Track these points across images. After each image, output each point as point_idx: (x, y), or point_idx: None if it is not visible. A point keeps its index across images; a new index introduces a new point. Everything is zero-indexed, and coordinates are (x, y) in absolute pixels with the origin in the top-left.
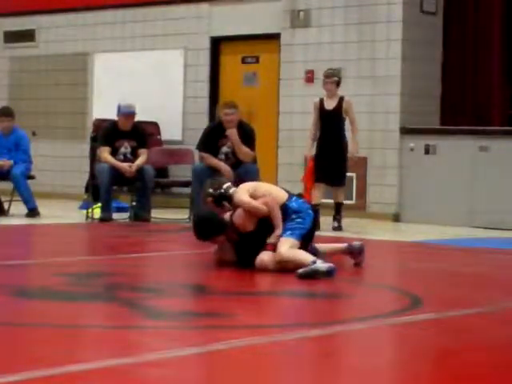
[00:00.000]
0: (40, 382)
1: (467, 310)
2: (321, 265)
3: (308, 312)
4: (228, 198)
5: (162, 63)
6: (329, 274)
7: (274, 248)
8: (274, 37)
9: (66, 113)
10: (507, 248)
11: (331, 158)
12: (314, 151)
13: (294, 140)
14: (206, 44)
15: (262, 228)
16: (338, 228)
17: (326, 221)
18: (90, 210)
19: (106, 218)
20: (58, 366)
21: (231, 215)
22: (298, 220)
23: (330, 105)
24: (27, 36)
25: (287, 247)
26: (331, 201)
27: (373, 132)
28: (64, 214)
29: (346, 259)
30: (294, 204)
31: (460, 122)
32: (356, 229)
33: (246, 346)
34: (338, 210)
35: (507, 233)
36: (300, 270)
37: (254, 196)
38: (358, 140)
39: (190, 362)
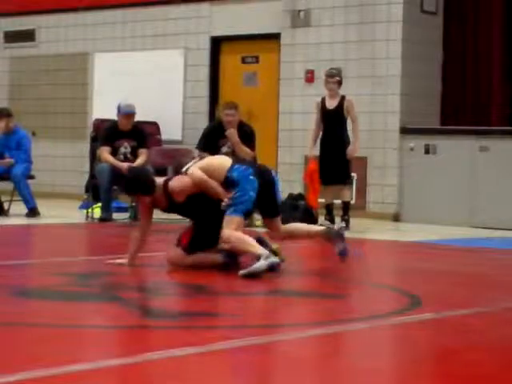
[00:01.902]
0: (40, 381)
1: (467, 310)
2: (262, 262)
3: (308, 312)
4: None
5: (162, 63)
6: (271, 269)
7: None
8: (274, 37)
9: (66, 113)
10: (507, 248)
11: (334, 158)
12: (315, 151)
13: (294, 140)
14: (206, 44)
15: (191, 204)
16: (345, 228)
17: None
18: (90, 210)
19: (106, 218)
20: (57, 365)
21: (166, 180)
22: (238, 194)
23: (331, 104)
24: (27, 36)
25: (232, 229)
26: (339, 201)
27: (373, 132)
28: (64, 213)
29: (329, 250)
30: (234, 174)
31: (460, 121)
32: (356, 229)
33: (245, 346)
34: (345, 210)
35: (507, 233)
36: (241, 272)
37: (206, 171)
38: (359, 140)
39: (190, 362)
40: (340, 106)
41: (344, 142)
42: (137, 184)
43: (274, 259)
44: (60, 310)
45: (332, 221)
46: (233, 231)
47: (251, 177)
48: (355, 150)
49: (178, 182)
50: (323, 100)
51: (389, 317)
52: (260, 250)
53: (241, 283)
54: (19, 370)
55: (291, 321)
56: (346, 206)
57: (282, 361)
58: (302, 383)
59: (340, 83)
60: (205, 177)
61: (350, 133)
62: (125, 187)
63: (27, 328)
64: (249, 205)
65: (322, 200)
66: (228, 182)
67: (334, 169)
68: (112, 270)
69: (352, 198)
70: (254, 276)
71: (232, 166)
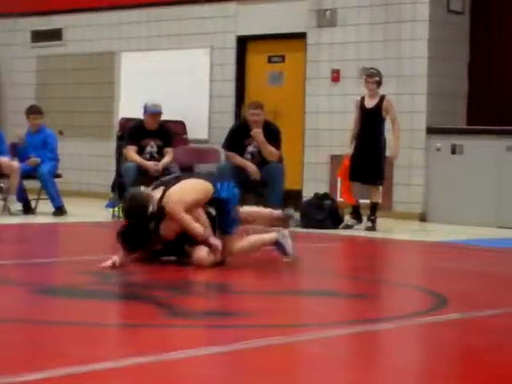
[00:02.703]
0: (64, 380)
1: (493, 311)
2: (286, 240)
3: (334, 312)
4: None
5: (189, 62)
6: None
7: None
8: (300, 36)
9: (93, 112)
10: None
11: (367, 157)
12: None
13: (320, 139)
14: (233, 43)
15: (181, 235)
16: (372, 228)
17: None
18: (116, 209)
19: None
20: (81, 364)
21: (156, 226)
22: (232, 210)
23: (370, 104)
24: (54, 35)
25: (237, 244)
26: (367, 201)
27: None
28: (90, 212)
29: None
30: (223, 194)
31: (487, 121)
32: (382, 229)
33: (271, 346)
34: (372, 210)
35: None
36: (286, 259)
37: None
38: (399, 140)
39: (213, 362)
40: (379, 105)
41: (379, 142)
42: (136, 242)
43: (284, 231)
44: (85, 309)
45: (359, 219)
46: (239, 245)
47: (235, 190)
48: (396, 151)
49: (164, 227)
50: (362, 99)
51: (415, 317)
52: (270, 235)
53: (265, 282)
54: (43, 368)
55: (316, 320)
56: (373, 207)
57: (306, 361)
58: (329, 383)
59: (379, 83)
60: (184, 217)
61: (387, 133)
62: (125, 247)
63: (52, 326)
64: (237, 215)
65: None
66: (217, 203)
67: (365, 168)
68: (137, 269)
69: (380, 199)
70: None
71: (215, 186)
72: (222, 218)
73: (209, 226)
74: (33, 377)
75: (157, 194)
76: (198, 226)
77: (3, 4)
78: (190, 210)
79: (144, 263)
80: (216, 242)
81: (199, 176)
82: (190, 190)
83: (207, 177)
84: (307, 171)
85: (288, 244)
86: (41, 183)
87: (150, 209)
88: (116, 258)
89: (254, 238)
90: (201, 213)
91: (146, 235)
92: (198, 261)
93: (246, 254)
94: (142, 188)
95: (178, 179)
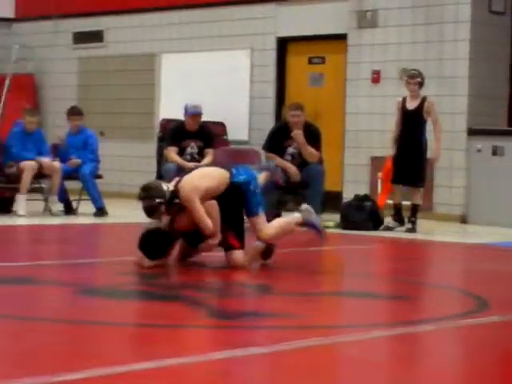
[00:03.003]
0: (103, 380)
1: None
2: (313, 218)
3: (373, 313)
4: (174, 195)
5: (229, 63)
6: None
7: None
8: (341, 37)
9: (133, 113)
10: None
11: (409, 159)
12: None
13: (360, 140)
14: (273, 44)
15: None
16: (412, 230)
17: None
18: None
19: None
20: (121, 364)
21: (172, 220)
22: (257, 190)
23: (411, 105)
24: (95, 37)
25: (265, 227)
26: (408, 202)
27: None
28: (131, 213)
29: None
30: (240, 177)
31: None
32: (423, 230)
33: (311, 347)
34: (413, 211)
35: None
36: (322, 239)
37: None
38: (440, 142)
39: (254, 363)
40: (420, 107)
41: (421, 143)
42: (156, 251)
43: (307, 207)
44: (125, 309)
45: (401, 221)
46: (267, 228)
47: (254, 173)
48: (437, 153)
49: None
50: (404, 100)
51: (455, 319)
52: (295, 218)
53: (305, 283)
54: (83, 367)
55: (357, 322)
56: (414, 208)
57: (346, 362)
58: None
59: (421, 84)
60: (198, 206)
61: (428, 134)
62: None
63: (92, 326)
64: (263, 203)
65: (389, 201)
66: (235, 188)
67: (407, 170)
68: (177, 270)
69: (421, 201)
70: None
71: (231, 172)
72: (244, 201)
73: (218, 220)
74: (72, 376)
75: (173, 182)
76: (208, 219)
77: (45, 6)
78: (204, 197)
79: (179, 264)
80: (215, 241)
81: (216, 165)
82: (205, 176)
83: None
84: (347, 173)
85: (317, 220)
86: (82, 184)
87: (165, 188)
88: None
89: (282, 221)
90: (214, 205)
91: (164, 239)
92: (234, 263)
93: (278, 239)
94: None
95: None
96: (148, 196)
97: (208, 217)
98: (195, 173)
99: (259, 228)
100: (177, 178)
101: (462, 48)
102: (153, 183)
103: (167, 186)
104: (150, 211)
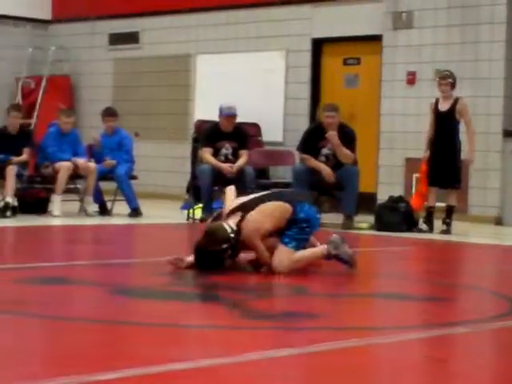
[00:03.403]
0: (139, 380)
1: None
2: (341, 249)
3: (409, 315)
4: (235, 237)
5: (264, 65)
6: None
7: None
8: (376, 38)
9: (169, 114)
10: None
11: (444, 161)
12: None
13: (395, 142)
14: (308, 45)
15: None
16: (447, 231)
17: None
18: (191, 211)
19: (207, 219)
20: (156, 364)
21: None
22: (307, 230)
23: (444, 106)
24: (131, 38)
25: (286, 261)
26: (443, 204)
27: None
28: (165, 214)
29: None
30: (301, 215)
31: None
32: (458, 232)
33: (346, 348)
34: (448, 213)
35: None
36: (352, 268)
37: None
38: (474, 144)
39: (289, 363)
40: (452, 108)
41: (455, 145)
42: (211, 264)
43: (335, 239)
44: (160, 309)
45: (431, 228)
46: (287, 260)
47: (317, 215)
48: (471, 155)
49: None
50: (437, 102)
51: (490, 321)
52: (321, 248)
53: (340, 285)
54: (119, 367)
55: (391, 323)
56: (449, 210)
57: (381, 364)
58: None
59: (453, 85)
60: (259, 245)
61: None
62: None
63: (128, 326)
64: (302, 243)
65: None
66: (295, 222)
67: (442, 172)
68: (212, 271)
69: (456, 202)
70: (353, 260)
71: (295, 208)
72: (293, 229)
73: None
74: (108, 376)
75: (235, 219)
76: (267, 254)
77: (82, 7)
78: (264, 235)
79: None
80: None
81: (280, 197)
82: (268, 216)
83: (288, 197)
84: (382, 174)
85: (345, 252)
86: (117, 185)
87: (226, 245)
88: (190, 259)
89: (307, 253)
90: (275, 243)
91: (221, 261)
92: (275, 266)
93: (297, 268)
94: (220, 223)
95: (257, 203)
96: (213, 241)
97: (267, 250)
98: (258, 211)
99: (279, 258)
100: (239, 214)
101: (498, 49)
102: (217, 227)
103: (229, 226)
104: (216, 257)
